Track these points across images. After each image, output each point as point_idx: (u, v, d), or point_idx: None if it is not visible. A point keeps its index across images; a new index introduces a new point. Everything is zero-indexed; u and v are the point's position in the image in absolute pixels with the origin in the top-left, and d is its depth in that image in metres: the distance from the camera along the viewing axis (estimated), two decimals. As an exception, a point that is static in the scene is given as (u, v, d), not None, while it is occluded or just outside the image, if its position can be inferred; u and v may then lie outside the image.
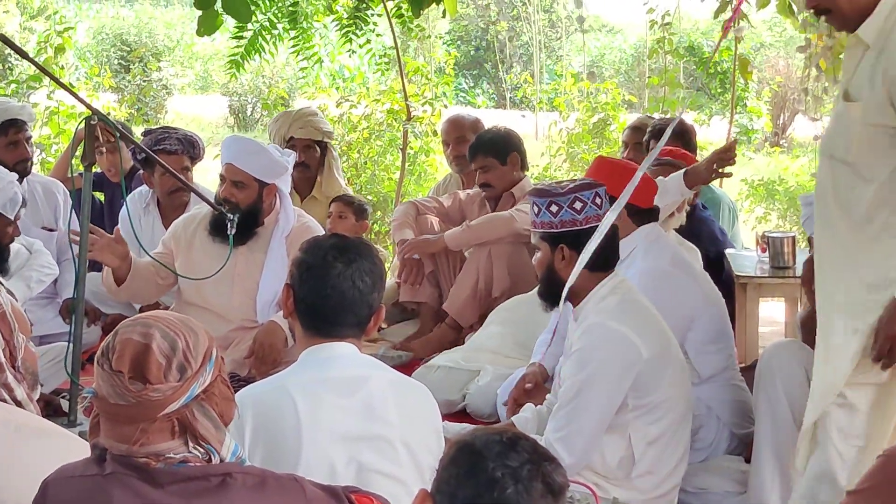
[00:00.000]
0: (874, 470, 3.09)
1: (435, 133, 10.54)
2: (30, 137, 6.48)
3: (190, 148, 6.29)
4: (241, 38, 8.46)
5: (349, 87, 14.87)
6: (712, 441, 4.72)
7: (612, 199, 4.34)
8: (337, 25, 9.08)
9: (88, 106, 4.77)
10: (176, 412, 2.44)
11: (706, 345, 4.75)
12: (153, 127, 6.82)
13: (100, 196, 7.21)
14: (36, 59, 5.14)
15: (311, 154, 7.27)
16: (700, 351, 4.73)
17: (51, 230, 6.46)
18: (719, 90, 19.69)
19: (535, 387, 4.81)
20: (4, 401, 2.99)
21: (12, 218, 5.19)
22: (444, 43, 20.85)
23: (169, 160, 5.81)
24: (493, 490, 2.10)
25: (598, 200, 4.03)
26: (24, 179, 6.37)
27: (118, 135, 5.18)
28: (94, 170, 5.04)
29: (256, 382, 3.29)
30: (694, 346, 4.71)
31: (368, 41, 9.14)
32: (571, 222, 4.02)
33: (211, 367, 2.51)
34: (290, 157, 5.68)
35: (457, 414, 5.37)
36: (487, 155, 6.43)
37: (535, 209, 4.10)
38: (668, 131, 3.97)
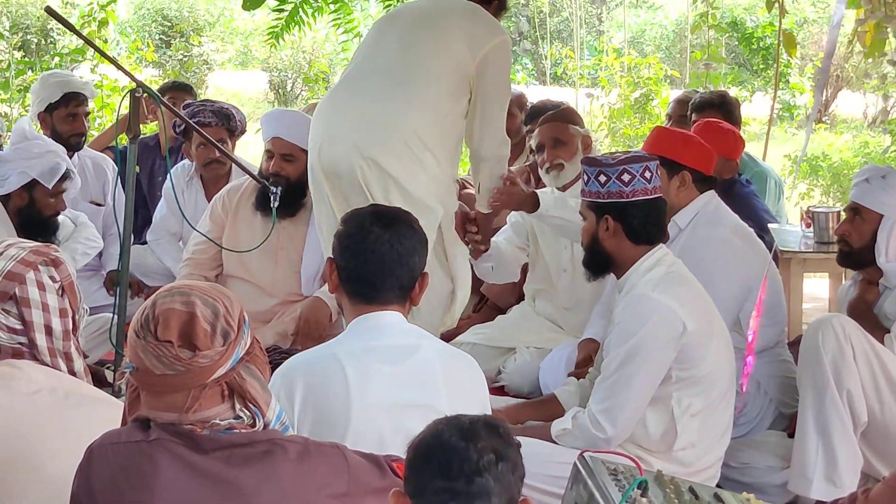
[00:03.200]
0: None
1: (476, 107, 10.48)
2: (88, 113, 6.57)
3: (226, 120, 6.28)
4: (282, 10, 8.46)
5: (389, 61, 14.80)
6: (757, 416, 4.71)
7: (674, 164, 4.40)
8: (378, -1, 9.08)
9: (133, 78, 4.78)
10: (224, 376, 2.46)
11: (760, 317, 4.72)
12: (193, 101, 6.83)
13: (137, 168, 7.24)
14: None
15: None
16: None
17: (99, 205, 6.51)
18: (761, 66, 19.53)
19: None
20: (60, 370, 3.02)
21: (50, 187, 5.22)
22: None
23: (205, 132, 5.80)
24: (441, 441, 2.14)
25: (647, 174, 4.01)
26: (76, 154, 6.44)
27: (161, 106, 5.19)
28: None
29: (305, 350, 3.32)
30: (748, 318, 4.69)
31: (411, 13, 9.09)
32: (618, 193, 4.00)
33: (247, 329, 2.54)
34: None
35: (494, 389, 5.36)
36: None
37: (585, 178, 4.10)
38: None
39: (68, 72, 7.72)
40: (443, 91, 4.62)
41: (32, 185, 5.22)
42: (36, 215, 5.27)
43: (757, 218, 5.74)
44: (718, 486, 4.06)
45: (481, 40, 4.66)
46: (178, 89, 7.55)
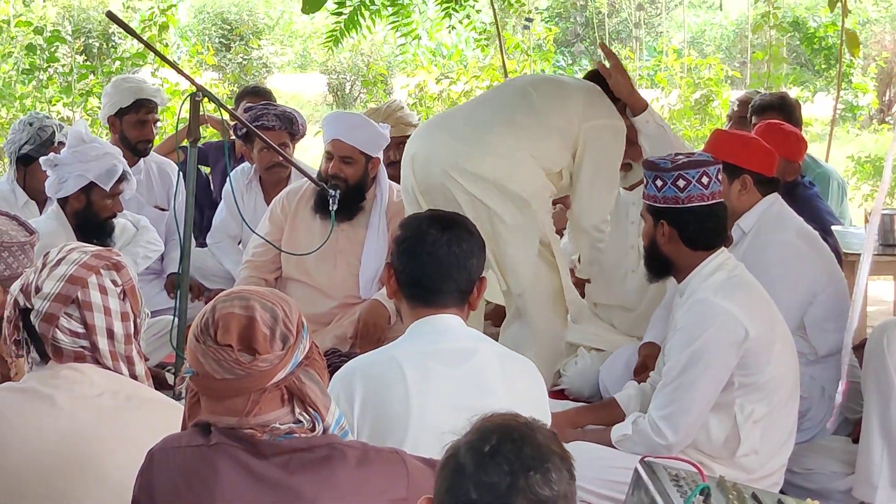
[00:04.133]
0: None
1: (534, 109, 10.47)
2: (157, 120, 6.61)
3: (288, 124, 6.31)
4: (341, 13, 8.48)
5: (447, 64, 14.89)
6: (821, 421, 4.64)
7: (734, 168, 4.35)
8: (435, 1, 9.07)
9: (193, 82, 4.80)
10: (284, 380, 2.47)
11: (826, 322, 4.67)
12: (253, 104, 6.84)
13: (205, 169, 7.30)
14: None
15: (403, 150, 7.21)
16: (819, 328, 4.66)
17: (162, 209, 6.55)
18: (823, 66, 19.33)
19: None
20: (122, 374, 3.03)
21: (108, 189, 5.24)
22: (542, 20, 20.73)
23: (267, 136, 5.75)
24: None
25: (704, 179, 3.96)
26: (141, 159, 6.50)
27: (221, 110, 5.20)
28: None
29: (365, 353, 3.32)
30: (813, 323, 4.64)
31: (469, 17, 9.11)
32: (673, 199, 3.98)
33: (306, 334, 2.54)
34: (386, 129, 5.69)
35: (554, 392, 5.34)
36: None
37: (645, 181, 4.09)
38: None
39: (141, 78, 7.69)
40: (545, 135, 4.91)
41: (90, 187, 5.24)
42: (93, 217, 5.29)
43: (820, 220, 5.68)
44: (782, 491, 4.02)
45: (596, 113, 5.03)
46: (256, 94, 7.57)
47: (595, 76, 5.24)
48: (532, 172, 4.87)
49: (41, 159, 5.37)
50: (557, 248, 5.05)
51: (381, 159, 5.71)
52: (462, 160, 4.78)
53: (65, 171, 5.23)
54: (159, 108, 6.66)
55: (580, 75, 5.77)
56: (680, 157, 4.08)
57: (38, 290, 2.96)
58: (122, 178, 5.30)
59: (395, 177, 5.63)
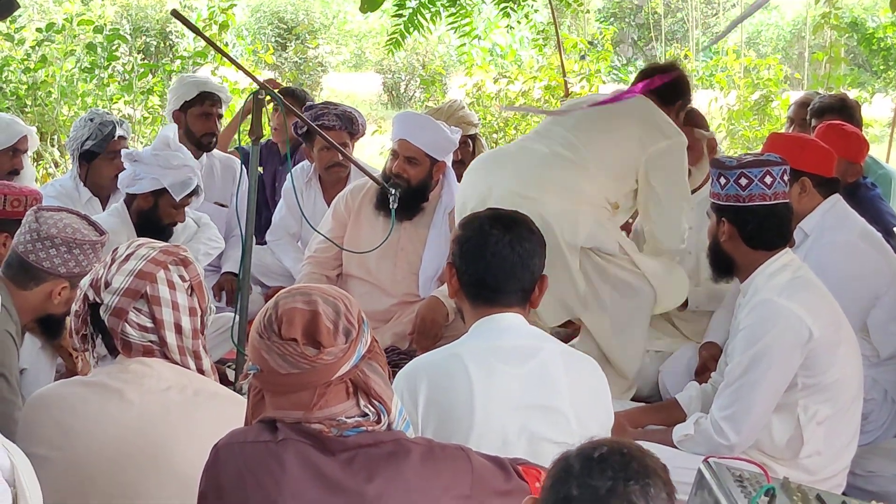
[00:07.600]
0: None
1: (592, 109, 10.45)
2: (221, 116, 6.68)
3: (349, 124, 6.32)
4: (401, 15, 8.48)
5: (503, 64, 14.86)
6: (883, 423, 4.61)
7: (793, 171, 4.31)
8: (494, 1, 9.05)
9: (257, 81, 4.82)
10: (348, 373, 2.49)
11: (889, 323, 4.63)
12: (313, 103, 6.85)
13: (259, 169, 7.33)
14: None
15: (466, 150, 7.23)
16: (882, 330, 4.62)
17: (223, 206, 6.60)
18: (882, 67, 19.14)
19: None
20: (189, 368, 3.06)
21: (178, 199, 5.29)
22: (597, 20, 20.68)
23: (328, 135, 5.78)
24: None
25: (767, 179, 3.95)
26: (205, 154, 6.55)
27: (283, 109, 5.21)
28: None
29: (429, 352, 3.33)
30: (876, 324, 4.60)
31: (527, 16, 9.09)
32: (735, 197, 3.98)
33: (367, 327, 2.56)
34: (457, 134, 5.68)
35: (613, 393, 5.30)
36: None
37: (711, 179, 4.11)
38: None
39: (206, 76, 7.78)
40: (604, 170, 4.86)
41: (161, 192, 5.29)
42: (156, 221, 5.32)
43: (883, 221, 5.63)
44: (844, 493, 3.99)
45: (653, 138, 4.92)
46: (292, 96, 7.57)
47: (647, 77, 5.21)
48: (592, 218, 4.84)
49: (122, 151, 5.44)
50: (641, 258, 5.01)
51: (448, 162, 5.70)
52: (524, 187, 4.71)
53: (142, 170, 5.28)
54: (224, 105, 6.72)
55: (633, 76, 5.68)
56: (747, 156, 4.08)
57: (107, 284, 3.00)
58: (194, 192, 5.36)
59: (458, 175, 5.62)
